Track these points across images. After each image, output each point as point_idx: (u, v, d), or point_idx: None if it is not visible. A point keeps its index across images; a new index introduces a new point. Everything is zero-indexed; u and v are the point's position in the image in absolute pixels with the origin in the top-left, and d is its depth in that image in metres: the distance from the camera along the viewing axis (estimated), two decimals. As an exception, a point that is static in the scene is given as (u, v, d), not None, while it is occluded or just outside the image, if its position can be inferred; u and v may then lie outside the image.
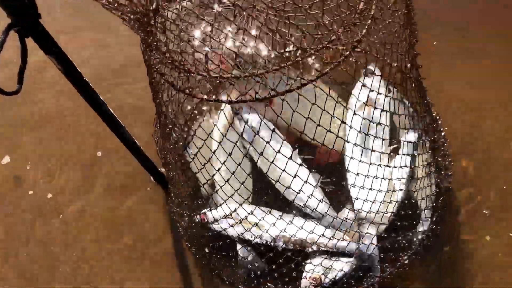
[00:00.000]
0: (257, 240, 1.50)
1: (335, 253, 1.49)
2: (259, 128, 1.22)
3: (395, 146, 1.57)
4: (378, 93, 1.10)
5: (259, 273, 1.56)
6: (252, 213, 1.38)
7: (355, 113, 1.19)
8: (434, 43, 2.17)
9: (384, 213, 1.42)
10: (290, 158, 1.15)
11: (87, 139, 2.09)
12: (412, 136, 1.50)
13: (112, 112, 1.39)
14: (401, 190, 1.49)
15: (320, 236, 1.42)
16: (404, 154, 1.40)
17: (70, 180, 1.99)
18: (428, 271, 1.59)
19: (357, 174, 1.33)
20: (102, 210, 1.89)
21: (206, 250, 1.62)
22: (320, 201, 1.39)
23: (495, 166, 1.78)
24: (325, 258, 1.47)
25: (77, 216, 1.88)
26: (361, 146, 1.25)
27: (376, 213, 1.40)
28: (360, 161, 1.30)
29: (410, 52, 1.20)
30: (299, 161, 1.42)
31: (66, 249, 1.81)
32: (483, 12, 2.25)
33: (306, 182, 1.25)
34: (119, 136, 1.50)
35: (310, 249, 1.49)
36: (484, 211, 1.68)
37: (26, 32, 1.00)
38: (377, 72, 1.16)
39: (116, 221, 1.85)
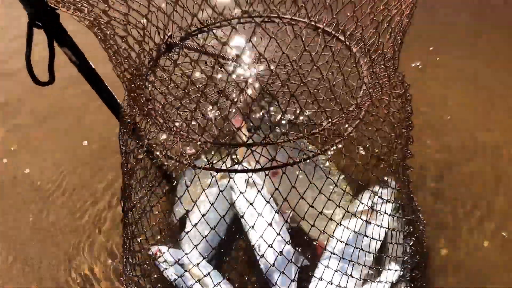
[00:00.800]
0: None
1: None
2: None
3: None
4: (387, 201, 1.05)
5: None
6: (208, 274, 1.29)
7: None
8: (430, 48, 2.11)
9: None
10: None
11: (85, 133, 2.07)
12: (396, 266, 1.41)
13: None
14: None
15: None
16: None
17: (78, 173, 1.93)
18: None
19: (320, 279, 1.23)
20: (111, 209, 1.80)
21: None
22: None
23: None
24: None
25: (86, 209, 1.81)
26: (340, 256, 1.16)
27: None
28: (336, 270, 1.20)
29: (402, 152, 1.14)
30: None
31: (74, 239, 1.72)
32: (485, 9, 2.26)
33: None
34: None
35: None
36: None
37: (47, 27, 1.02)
38: (392, 185, 1.12)
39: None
